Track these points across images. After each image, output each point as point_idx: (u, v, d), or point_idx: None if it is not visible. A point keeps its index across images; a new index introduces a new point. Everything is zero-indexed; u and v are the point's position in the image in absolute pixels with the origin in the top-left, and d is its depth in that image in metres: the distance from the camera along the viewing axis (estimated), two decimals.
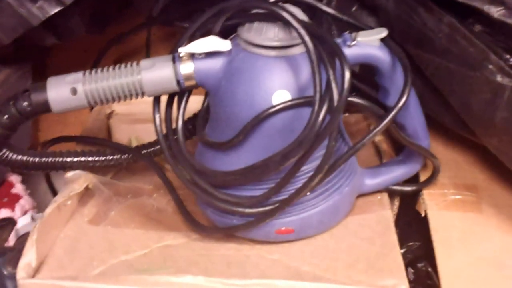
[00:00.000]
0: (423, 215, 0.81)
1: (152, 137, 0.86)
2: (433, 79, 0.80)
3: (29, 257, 0.70)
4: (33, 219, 0.95)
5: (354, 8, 0.90)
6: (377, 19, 0.88)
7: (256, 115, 0.70)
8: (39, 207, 0.99)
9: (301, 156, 0.68)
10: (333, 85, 0.66)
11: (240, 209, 0.73)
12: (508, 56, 0.73)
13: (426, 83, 0.82)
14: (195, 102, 0.79)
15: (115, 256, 0.74)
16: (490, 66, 0.73)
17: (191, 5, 1.02)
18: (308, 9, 0.78)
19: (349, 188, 0.77)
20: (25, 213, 0.98)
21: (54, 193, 1.00)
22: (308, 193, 0.73)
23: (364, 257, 0.73)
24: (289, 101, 0.69)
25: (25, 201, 0.99)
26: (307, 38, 0.67)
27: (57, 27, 0.91)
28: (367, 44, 0.74)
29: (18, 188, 1.01)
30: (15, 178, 1.00)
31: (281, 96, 0.70)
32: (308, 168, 0.71)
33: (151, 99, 0.76)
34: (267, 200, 0.72)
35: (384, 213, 0.79)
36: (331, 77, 0.67)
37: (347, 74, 0.66)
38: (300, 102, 0.69)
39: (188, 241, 0.78)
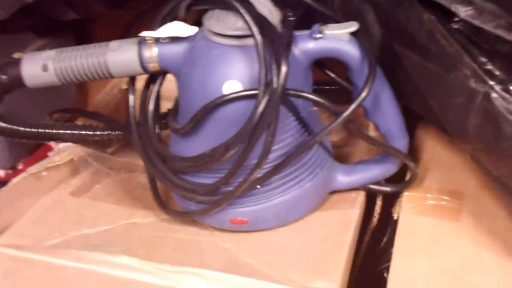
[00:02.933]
0: (395, 218, 0.78)
1: None
2: (415, 78, 0.76)
3: None
4: None
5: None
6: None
7: (204, 105, 0.69)
8: None
9: (244, 148, 0.67)
10: (274, 80, 0.65)
11: (193, 196, 0.73)
12: (484, 60, 0.69)
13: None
14: None
15: (78, 229, 0.77)
16: (464, 69, 0.69)
17: None
18: None
19: (312, 183, 0.75)
20: None
21: None
22: (259, 186, 0.72)
23: (310, 255, 0.72)
24: (237, 92, 0.69)
25: None
26: (254, 29, 0.66)
27: (74, 3, 0.94)
28: (336, 37, 0.72)
29: (56, 152, 1.05)
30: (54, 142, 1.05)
31: (231, 86, 0.69)
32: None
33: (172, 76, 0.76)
34: (217, 189, 0.72)
35: (350, 212, 0.77)
36: (274, 71, 0.65)
37: (283, 69, 0.64)
38: (247, 94, 0.68)
39: (155, 221, 0.79)
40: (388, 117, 0.76)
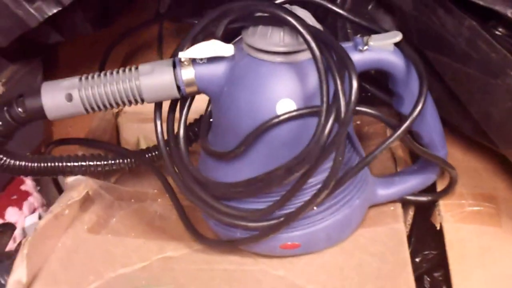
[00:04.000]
0: (438, 227, 0.76)
1: None
2: (452, 85, 0.75)
3: (19, 273, 0.67)
4: (40, 217, 0.93)
5: (370, 7, 0.86)
6: (393, 18, 0.83)
7: (258, 126, 0.65)
8: (50, 204, 0.96)
9: (306, 170, 0.64)
10: (341, 96, 0.62)
11: (243, 223, 0.69)
12: None
13: (444, 87, 0.77)
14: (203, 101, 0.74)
15: (113, 269, 0.71)
16: None
17: (199, 2, 0.98)
18: (321, 10, 0.74)
19: (360, 200, 0.73)
20: (33, 211, 0.96)
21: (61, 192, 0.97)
22: (315, 208, 0.69)
23: (374, 276, 0.69)
24: (294, 111, 0.65)
25: (34, 199, 0.98)
26: (313, 45, 0.63)
27: (60, 24, 0.87)
28: (380, 48, 0.69)
29: (28, 185, 0.99)
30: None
31: (285, 105, 0.65)
32: (315, 180, 0.67)
33: None
34: (271, 214, 0.68)
35: (397, 227, 0.75)
36: (339, 87, 0.62)
37: (355, 84, 0.61)
38: (306, 112, 0.65)
39: (190, 253, 0.74)
40: (432, 127, 0.74)
